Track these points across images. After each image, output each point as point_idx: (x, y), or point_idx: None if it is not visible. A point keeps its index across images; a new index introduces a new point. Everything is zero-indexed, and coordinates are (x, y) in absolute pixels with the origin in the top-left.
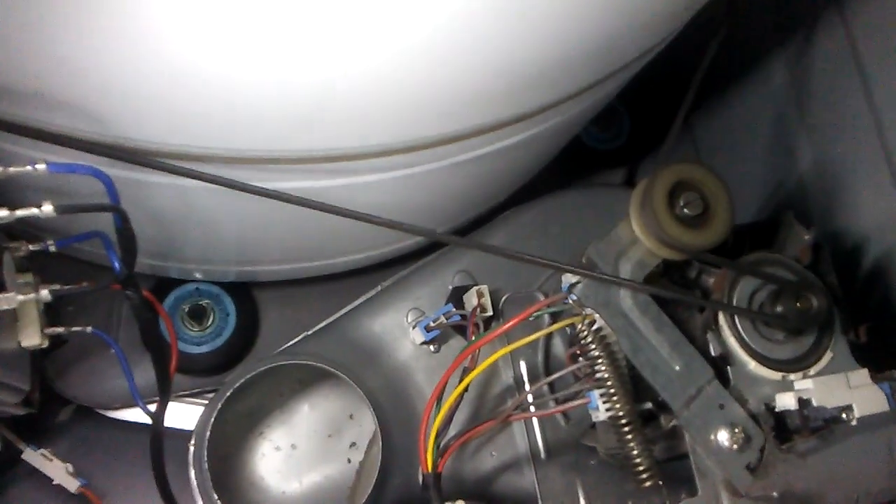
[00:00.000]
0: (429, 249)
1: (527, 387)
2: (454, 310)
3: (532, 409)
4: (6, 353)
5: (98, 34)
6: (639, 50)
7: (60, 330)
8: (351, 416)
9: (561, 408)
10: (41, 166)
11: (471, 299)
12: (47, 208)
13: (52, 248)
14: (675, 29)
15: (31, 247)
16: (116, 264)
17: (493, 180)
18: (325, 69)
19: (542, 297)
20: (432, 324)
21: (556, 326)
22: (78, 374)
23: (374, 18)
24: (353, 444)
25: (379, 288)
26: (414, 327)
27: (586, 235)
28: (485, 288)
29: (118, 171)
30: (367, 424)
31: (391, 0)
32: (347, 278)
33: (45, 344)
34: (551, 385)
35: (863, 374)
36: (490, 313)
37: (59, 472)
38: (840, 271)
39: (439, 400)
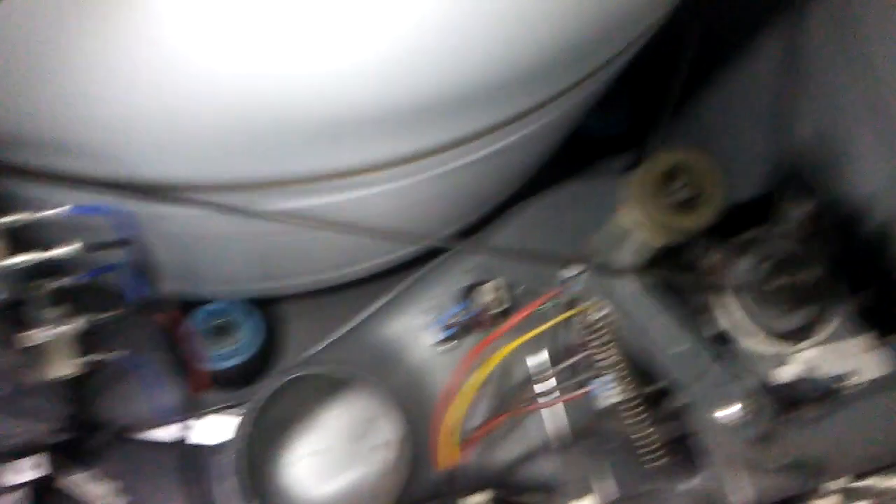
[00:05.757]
0: (443, 248)
1: (541, 376)
2: (470, 306)
3: (548, 397)
4: (41, 383)
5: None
6: (632, 35)
7: (92, 357)
8: (375, 419)
9: (575, 394)
10: (66, 208)
11: (486, 294)
12: (76, 247)
13: (81, 281)
14: (662, 14)
15: (62, 280)
16: (139, 291)
17: (499, 178)
18: (324, 93)
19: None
20: (449, 322)
21: (564, 315)
22: (112, 397)
23: (362, 28)
24: (378, 446)
25: (395, 291)
26: (431, 326)
27: (593, 224)
28: (500, 281)
29: (135, 206)
30: (391, 426)
31: (375, 9)
32: (363, 283)
33: (78, 372)
34: (565, 372)
35: (867, 339)
36: (507, 306)
37: (99, 495)
38: (842, 238)
39: (456, 395)
